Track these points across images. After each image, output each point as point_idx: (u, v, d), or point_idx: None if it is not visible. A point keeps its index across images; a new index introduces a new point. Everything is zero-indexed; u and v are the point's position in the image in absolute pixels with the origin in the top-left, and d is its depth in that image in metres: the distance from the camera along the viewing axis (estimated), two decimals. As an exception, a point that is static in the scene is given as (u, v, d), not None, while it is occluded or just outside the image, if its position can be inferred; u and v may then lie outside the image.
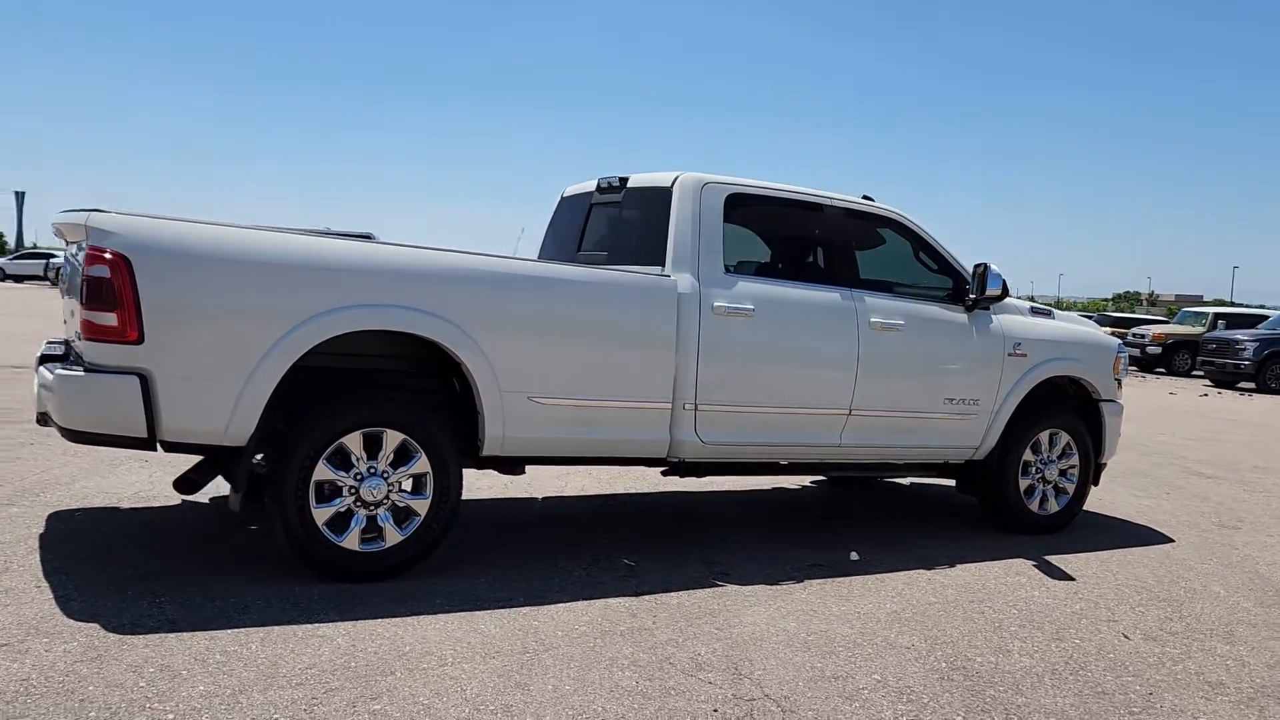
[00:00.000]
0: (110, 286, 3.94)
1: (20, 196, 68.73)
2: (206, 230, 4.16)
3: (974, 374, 6.13)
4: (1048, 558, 5.82)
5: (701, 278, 5.21)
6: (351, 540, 4.43)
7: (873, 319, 5.70)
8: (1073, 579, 5.49)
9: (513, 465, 5.06)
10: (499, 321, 4.66)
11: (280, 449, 4.34)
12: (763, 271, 5.68)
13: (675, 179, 5.38)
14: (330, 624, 3.94)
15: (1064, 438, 6.53)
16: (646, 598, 4.58)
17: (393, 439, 4.49)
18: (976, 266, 5.94)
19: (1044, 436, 6.46)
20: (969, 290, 6.00)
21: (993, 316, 6.24)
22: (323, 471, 4.35)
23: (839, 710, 3.52)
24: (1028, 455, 6.40)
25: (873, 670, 3.91)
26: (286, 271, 4.23)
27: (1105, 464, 6.95)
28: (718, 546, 5.58)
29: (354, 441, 4.41)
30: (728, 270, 5.33)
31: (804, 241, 5.91)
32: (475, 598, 4.39)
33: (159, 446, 4.17)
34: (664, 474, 5.57)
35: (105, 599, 4.02)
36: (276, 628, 3.86)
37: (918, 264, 6.12)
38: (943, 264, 6.13)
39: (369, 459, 4.45)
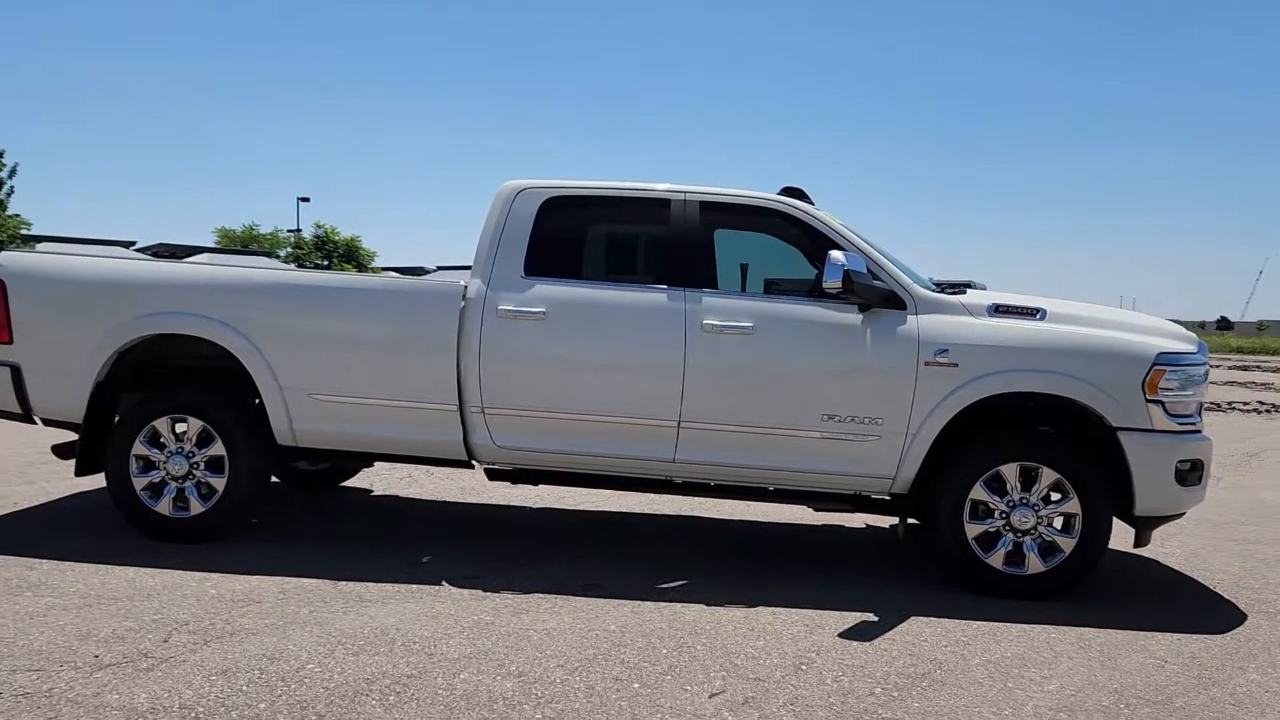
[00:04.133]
0: None
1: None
2: (58, 259, 5.54)
3: (867, 386, 5.03)
4: (982, 623, 4.57)
5: (492, 282, 5.24)
6: (164, 506, 5.39)
7: (706, 321, 5.08)
8: (927, 657, 4.30)
9: (324, 459, 5.62)
10: (276, 326, 5.29)
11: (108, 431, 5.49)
12: (578, 272, 5.39)
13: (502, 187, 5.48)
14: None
15: (1048, 475, 4.94)
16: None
17: (195, 425, 5.39)
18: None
19: (1009, 471, 4.97)
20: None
21: (908, 317, 5.06)
22: (139, 449, 5.39)
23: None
24: (979, 494, 4.98)
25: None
26: (108, 288, 5.41)
27: (1156, 518, 5.05)
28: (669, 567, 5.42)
29: (163, 425, 5.39)
30: (529, 274, 5.26)
31: (637, 240, 5.47)
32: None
33: (39, 422, 5.60)
34: (490, 478, 5.57)
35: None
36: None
37: (810, 261, 5.23)
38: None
39: (176, 441, 5.40)
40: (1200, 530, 6.83)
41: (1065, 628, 4.55)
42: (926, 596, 4.95)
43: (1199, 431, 5.08)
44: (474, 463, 5.42)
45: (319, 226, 53.87)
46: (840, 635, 4.32)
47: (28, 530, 5.61)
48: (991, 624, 4.56)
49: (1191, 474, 5.01)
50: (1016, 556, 5.00)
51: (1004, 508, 4.98)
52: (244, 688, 3.49)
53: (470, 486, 7.34)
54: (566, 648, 4.01)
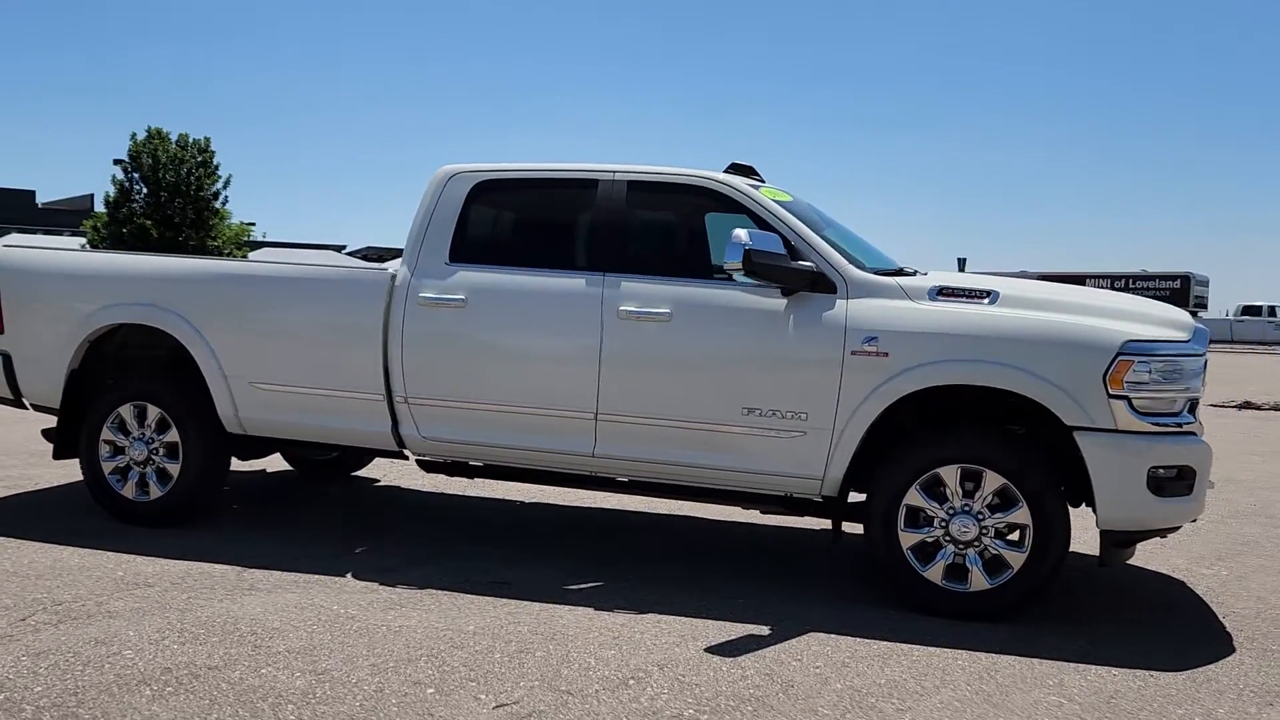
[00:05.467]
0: None
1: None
2: (39, 252, 5.84)
3: (790, 378, 4.58)
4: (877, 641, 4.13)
5: (417, 269, 5.13)
6: (129, 490, 5.59)
7: (623, 307, 4.77)
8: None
9: (270, 447, 5.68)
10: (218, 315, 5.38)
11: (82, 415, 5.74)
12: (503, 258, 5.15)
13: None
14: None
15: (992, 479, 4.34)
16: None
17: (153, 412, 5.56)
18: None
19: (949, 474, 4.39)
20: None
21: (837, 302, 4.57)
22: (106, 434, 5.61)
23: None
24: (917, 499, 4.44)
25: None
26: (77, 280, 5.66)
27: (1128, 533, 4.35)
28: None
29: (127, 411, 5.59)
30: (454, 260, 5.10)
31: (565, 224, 5.18)
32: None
33: (29, 406, 5.93)
34: (426, 470, 5.45)
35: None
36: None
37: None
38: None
39: (139, 427, 5.58)
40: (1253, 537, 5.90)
41: (981, 654, 3.98)
42: (852, 612, 4.46)
43: (1189, 433, 4.34)
44: (406, 454, 5.34)
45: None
46: (707, 649, 3.94)
47: (28, 509, 5.96)
48: (897, 645, 4.05)
49: (1174, 483, 4.29)
50: (959, 571, 4.43)
51: (944, 515, 4.42)
52: (43, 670, 3.51)
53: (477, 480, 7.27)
54: (399, 647, 3.84)
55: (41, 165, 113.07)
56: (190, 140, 36.84)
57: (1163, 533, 4.56)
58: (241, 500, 6.50)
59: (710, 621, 4.27)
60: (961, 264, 51.47)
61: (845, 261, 4.68)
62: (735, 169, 5.25)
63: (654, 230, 5.15)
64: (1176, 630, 4.40)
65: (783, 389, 4.58)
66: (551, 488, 5.82)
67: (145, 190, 36.45)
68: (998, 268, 44.72)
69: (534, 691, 3.47)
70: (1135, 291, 44.36)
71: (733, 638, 4.09)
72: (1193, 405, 4.39)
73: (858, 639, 4.11)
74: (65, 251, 6.02)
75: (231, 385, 5.38)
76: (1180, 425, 4.32)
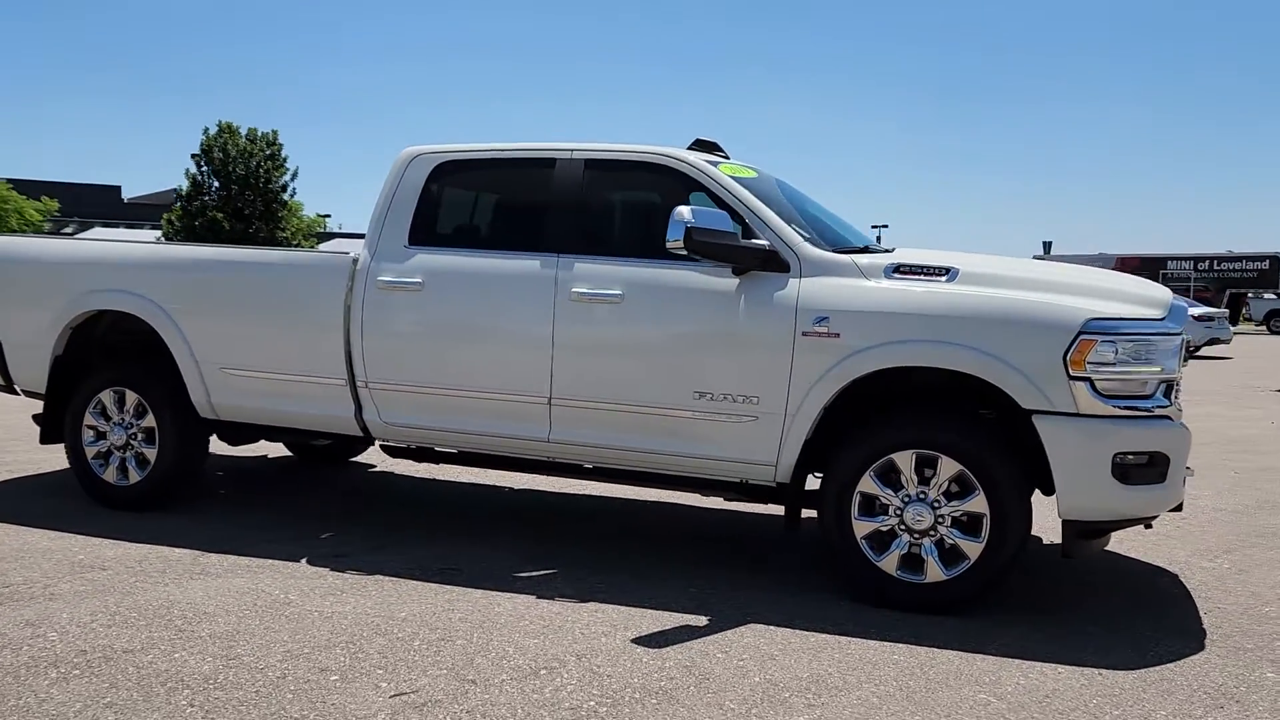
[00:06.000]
0: None
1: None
2: (25, 241, 5.95)
3: (741, 360, 4.42)
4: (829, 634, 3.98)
5: (377, 253, 5.08)
6: (110, 474, 5.67)
7: (575, 289, 4.66)
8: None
9: (245, 434, 5.70)
10: (189, 301, 5.41)
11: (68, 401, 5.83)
12: (461, 241, 5.06)
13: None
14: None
15: (948, 465, 4.13)
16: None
17: (131, 398, 5.62)
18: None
19: (903, 459, 4.20)
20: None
21: (789, 281, 4.39)
22: (89, 419, 5.69)
23: None
24: (871, 487, 4.25)
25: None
26: (58, 267, 5.74)
27: (1092, 523, 4.10)
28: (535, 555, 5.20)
29: (107, 397, 5.66)
30: (413, 243, 5.04)
31: (523, 204, 5.07)
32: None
33: (20, 393, 6.05)
34: (392, 455, 5.41)
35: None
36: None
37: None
38: (734, 218, 4.56)
39: (119, 412, 5.65)
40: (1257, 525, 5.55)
41: (923, 648, 3.79)
42: (803, 603, 4.30)
43: (1161, 417, 4.08)
44: (372, 439, 5.31)
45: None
46: (635, 639, 3.82)
47: (22, 493, 6.09)
48: (836, 638, 3.88)
49: (1144, 470, 4.04)
50: (914, 562, 4.23)
51: (899, 503, 4.23)
52: (-37, 651, 3.56)
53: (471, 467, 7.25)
54: (322, 633, 3.80)
55: (129, 162, 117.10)
56: (259, 134, 37.68)
57: (1137, 523, 4.29)
58: (232, 485, 6.57)
59: (650, 611, 4.15)
60: (1047, 247, 50.08)
61: (801, 239, 4.50)
62: (699, 145, 5.11)
63: (610, 210, 5.03)
64: (1147, 626, 4.14)
65: (734, 372, 4.42)
66: (542, 475, 5.73)
67: (217, 184, 37.39)
68: (1082, 251, 43.45)
69: (438, 680, 3.40)
70: (1221, 274, 42.91)
71: (666, 628, 3.97)
72: (1168, 388, 4.12)
73: (798, 631, 3.96)
74: (47, 240, 6.12)
75: (203, 371, 5.40)
76: (1151, 409, 4.06)
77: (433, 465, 6.12)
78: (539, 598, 4.30)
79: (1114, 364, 3.98)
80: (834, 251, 4.52)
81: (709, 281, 4.49)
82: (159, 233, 39.04)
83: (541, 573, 4.67)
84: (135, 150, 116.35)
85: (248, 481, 6.74)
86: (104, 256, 5.75)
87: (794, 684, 3.44)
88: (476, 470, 6.69)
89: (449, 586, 4.43)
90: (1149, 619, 4.24)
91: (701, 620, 4.06)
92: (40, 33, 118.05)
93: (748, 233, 4.50)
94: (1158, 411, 4.08)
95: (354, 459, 7.36)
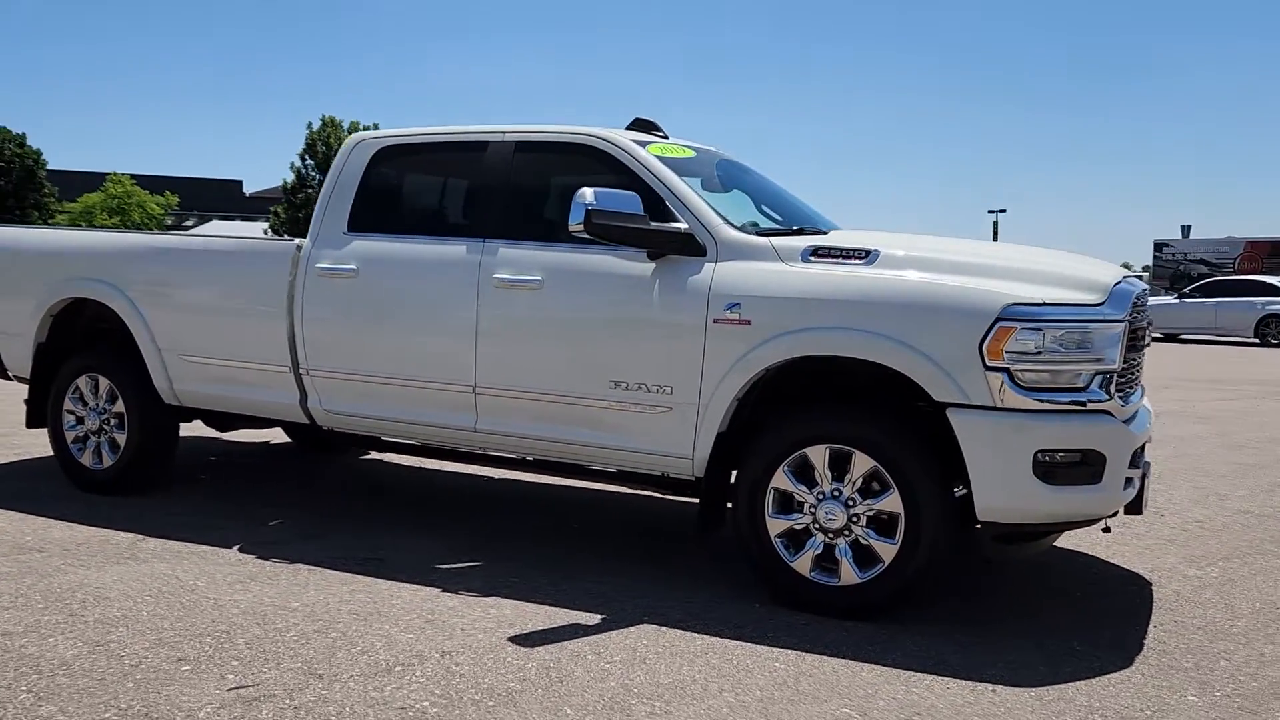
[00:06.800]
0: None
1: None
2: (9, 231, 6.13)
3: (654, 349, 4.22)
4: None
5: (318, 239, 5.05)
6: (86, 458, 5.81)
7: (498, 275, 4.54)
8: None
9: (227, 420, 5.73)
10: (150, 288, 5.48)
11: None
12: (396, 227, 4.96)
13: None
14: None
15: (862, 461, 3.86)
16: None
17: (104, 384, 5.74)
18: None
19: (817, 454, 3.94)
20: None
21: (704, 266, 4.17)
22: (68, 404, 5.85)
23: None
24: (785, 483, 4.00)
25: None
26: (37, 256, 5.90)
27: (1015, 525, 3.77)
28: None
29: (84, 383, 5.80)
30: (351, 230, 5.00)
31: (455, 188, 4.96)
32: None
33: (11, 378, 6.25)
34: (344, 445, 5.37)
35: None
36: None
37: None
38: (654, 201, 4.36)
39: (94, 397, 5.78)
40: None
41: (812, 656, 3.56)
42: (715, 604, 4.09)
43: (1095, 411, 3.73)
44: (320, 427, 5.29)
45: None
46: (513, 637, 3.68)
47: (10, 475, 6.29)
48: (725, 642, 3.67)
49: (1074, 470, 3.70)
50: (829, 563, 3.98)
51: (813, 500, 3.98)
52: None
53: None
54: (203, 622, 3.78)
55: (250, 157, 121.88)
56: (360, 127, 38.68)
57: (1071, 527, 3.94)
58: (217, 471, 6.67)
59: (548, 608, 4.01)
60: (1186, 231, 47.55)
61: (720, 221, 4.27)
62: (637, 124, 4.92)
63: (537, 193, 4.87)
64: (1082, 639, 3.80)
65: (647, 361, 4.23)
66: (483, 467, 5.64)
67: (320, 177, 38.56)
68: (1220, 234, 41.12)
69: (287, 674, 3.33)
70: (1355, 257, 39.93)
71: (553, 625, 3.82)
72: (1108, 379, 3.75)
73: (689, 633, 3.76)
74: (28, 230, 6.31)
75: (165, 358, 5.48)
76: (1084, 403, 3.71)
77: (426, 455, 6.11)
78: (444, 591, 4.20)
79: (1037, 354, 3.64)
80: (759, 234, 4.28)
81: (626, 266, 4.31)
82: (268, 225, 40.49)
83: (463, 565, 4.58)
84: (257, 146, 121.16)
85: (234, 467, 6.83)
86: (79, 245, 5.89)
87: (649, 690, 3.26)
88: (461, 460, 6.69)
89: (361, 577, 4.37)
90: (1088, 631, 3.89)
91: (594, 619, 3.90)
92: (169, 34, 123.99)
93: (668, 215, 4.30)
94: (1092, 406, 3.72)
95: (357, 446, 7.40)
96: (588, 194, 4.06)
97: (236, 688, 3.23)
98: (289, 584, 4.26)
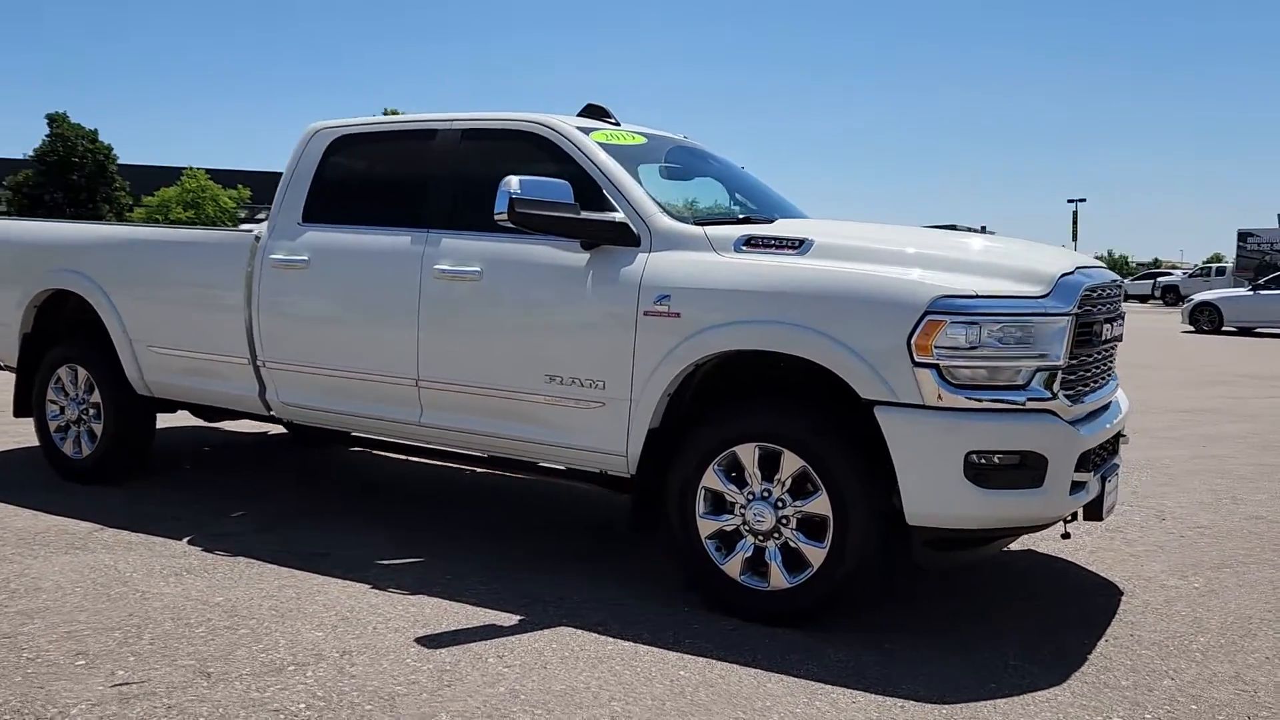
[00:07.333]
0: None
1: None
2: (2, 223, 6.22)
3: (587, 342, 4.09)
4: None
5: (274, 230, 5.02)
6: (68, 447, 5.87)
7: (438, 266, 4.44)
8: None
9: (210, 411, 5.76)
10: (121, 280, 5.51)
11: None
12: (347, 217, 4.87)
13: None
14: None
15: (790, 461, 3.68)
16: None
17: (82, 374, 5.80)
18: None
19: (746, 453, 3.77)
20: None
21: (637, 256, 4.02)
22: (51, 394, 5.92)
23: None
24: (715, 482, 3.84)
25: None
26: (22, 248, 5.98)
27: (946, 531, 3.54)
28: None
29: (64, 373, 5.86)
30: (306, 220, 4.95)
31: (405, 178, 4.85)
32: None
33: (2, 367, 6.35)
34: (301, 437, 5.33)
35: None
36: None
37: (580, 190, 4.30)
38: (592, 189, 4.22)
39: (74, 387, 5.84)
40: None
41: (723, 664, 3.40)
42: (645, 607, 3.94)
43: (1036, 411, 3.49)
44: (278, 420, 5.27)
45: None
46: (421, 638, 3.58)
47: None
48: (637, 648, 3.53)
49: (1009, 472, 3.47)
50: (760, 567, 3.81)
51: (743, 501, 3.81)
52: None
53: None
54: (119, 615, 3.75)
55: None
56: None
57: (1012, 533, 3.71)
58: (206, 461, 6.70)
59: (470, 607, 3.91)
60: (1284, 220, 45.54)
61: (656, 210, 4.11)
62: (589, 110, 4.78)
63: (480, 181, 4.73)
64: (1019, 652, 3.57)
65: (581, 355, 4.10)
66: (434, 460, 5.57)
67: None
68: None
69: (177, 671, 3.28)
70: None
71: (469, 626, 3.72)
72: (1051, 377, 3.51)
73: (603, 637, 3.62)
74: (13, 221, 6.40)
75: (135, 349, 5.50)
76: (1024, 402, 3.48)
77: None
78: (373, 588, 4.13)
79: (969, 349, 3.42)
80: (696, 223, 4.11)
81: (562, 257, 4.17)
82: None
83: (404, 561, 4.50)
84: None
85: (223, 458, 6.85)
86: (59, 238, 5.95)
87: (536, 697, 3.13)
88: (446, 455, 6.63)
89: (298, 572, 4.31)
90: (1031, 644, 3.66)
91: (513, 620, 3.79)
92: (236, 28, 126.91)
93: (606, 203, 4.15)
94: (1033, 405, 3.49)
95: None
96: (513, 182, 3.93)
97: (120, 684, 3.19)
98: (223, 578, 4.23)
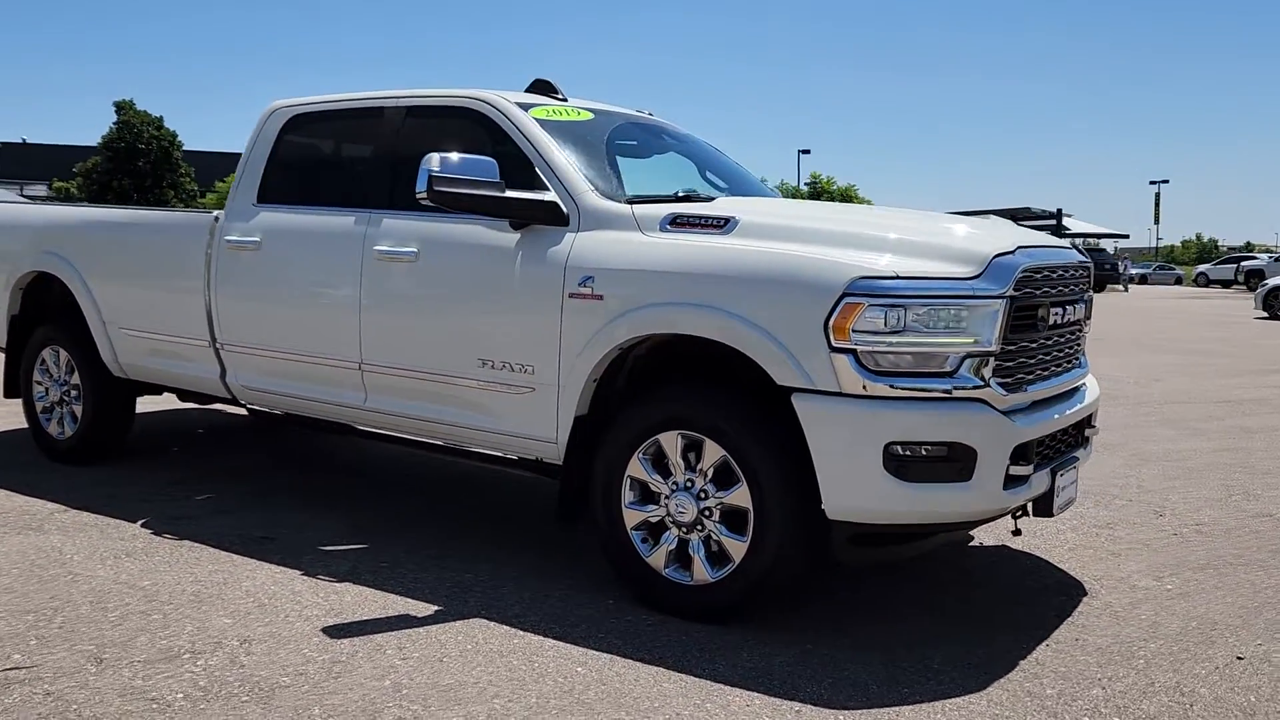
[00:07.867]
0: None
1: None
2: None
3: (515, 325, 3.96)
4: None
5: (230, 212, 4.99)
6: (52, 428, 5.95)
7: (378, 248, 4.35)
8: None
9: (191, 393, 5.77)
10: (95, 260, 5.54)
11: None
12: (298, 198, 4.79)
13: None
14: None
15: (712, 450, 3.52)
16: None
17: (64, 356, 5.85)
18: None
19: (669, 442, 3.61)
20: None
21: (565, 236, 3.88)
22: (36, 375, 5.99)
23: None
24: (640, 471, 3.69)
25: None
26: (8, 230, 6.04)
27: (868, 526, 3.35)
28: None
29: (48, 355, 5.93)
30: (260, 201, 4.90)
31: (352, 157, 4.78)
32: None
33: (-1, 350, 6.46)
34: (265, 421, 5.29)
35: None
36: None
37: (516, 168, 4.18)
38: (527, 167, 4.09)
39: (57, 369, 5.91)
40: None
41: (623, 662, 3.26)
42: (576, 601, 3.82)
43: (965, 399, 3.28)
44: (239, 403, 5.24)
45: (815, 177, 54.87)
46: (329, 628, 3.51)
47: None
48: (544, 642, 3.42)
49: (935, 465, 3.27)
50: (685, 559, 3.66)
51: (667, 491, 3.66)
52: None
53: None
54: (42, 599, 3.75)
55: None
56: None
57: (944, 529, 3.49)
58: (193, 442, 6.73)
59: (393, 596, 3.83)
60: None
61: (587, 189, 3.96)
62: (536, 86, 4.64)
63: (420, 160, 4.65)
64: (950, 655, 3.37)
65: (510, 338, 3.98)
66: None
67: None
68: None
69: (72, 657, 3.25)
70: None
71: (383, 616, 3.64)
72: (982, 363, 3.29)
73: (515, 630, 3.51)
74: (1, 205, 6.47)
75: (109, 330, 5.53)
76: (951, 390, 3.27)
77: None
78: (304, 574, 4.08)
79: (890, 333, 3.22)
80: (627, 202, 3.95)
81: (493, 238, 4.06)
82: None
83: (346, 547, 4.44)
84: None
85: (213, 440, 6.87)
86: (42, 220, 6.01)
87: (420, 692, 3.03)
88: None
89: (236, 556, 4.28)
90: (964, 646, 3.45)
91: (430, 610, 3.69)
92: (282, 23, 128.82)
93: (538, 182, 4.02)
94: (961, 393, 3.28)
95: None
96: (434, 159, 3.81)
97: (10, 669, 3.17)
98: (161, 561, 4.21)
